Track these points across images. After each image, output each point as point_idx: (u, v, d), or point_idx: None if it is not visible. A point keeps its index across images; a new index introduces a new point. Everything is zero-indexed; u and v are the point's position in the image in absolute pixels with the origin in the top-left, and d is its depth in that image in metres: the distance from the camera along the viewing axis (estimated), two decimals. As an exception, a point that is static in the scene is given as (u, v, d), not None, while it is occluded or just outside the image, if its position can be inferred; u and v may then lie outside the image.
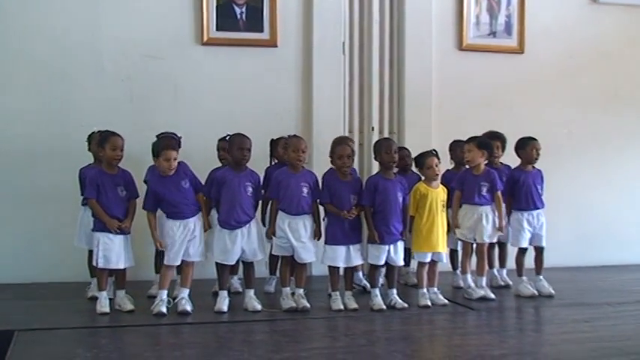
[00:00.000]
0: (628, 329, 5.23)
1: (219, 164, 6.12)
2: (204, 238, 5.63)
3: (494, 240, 6.33)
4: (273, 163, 6.33)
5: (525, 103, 7.72)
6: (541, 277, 6.25)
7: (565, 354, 4.57)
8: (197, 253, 5.53)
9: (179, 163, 5.51)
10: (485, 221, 6.03)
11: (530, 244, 6.28)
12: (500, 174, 6.26)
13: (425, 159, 5.89)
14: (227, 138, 5.86)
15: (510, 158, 6.49)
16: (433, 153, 5.93)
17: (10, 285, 6.38)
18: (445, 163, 6.37)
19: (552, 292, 6.15)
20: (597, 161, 7.98)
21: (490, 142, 6.17)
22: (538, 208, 6.26)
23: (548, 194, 6.33)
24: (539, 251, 6.30)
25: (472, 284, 6.10)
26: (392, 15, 7.43)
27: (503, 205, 6.17)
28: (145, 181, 5.82)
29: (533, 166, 6.31)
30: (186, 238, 5.46)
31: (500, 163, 6.49)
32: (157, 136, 5.87)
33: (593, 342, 4.84)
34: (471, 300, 5.95)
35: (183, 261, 5.51)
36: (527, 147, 6.27)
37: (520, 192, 6.22)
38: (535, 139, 6.28)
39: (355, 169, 6.41)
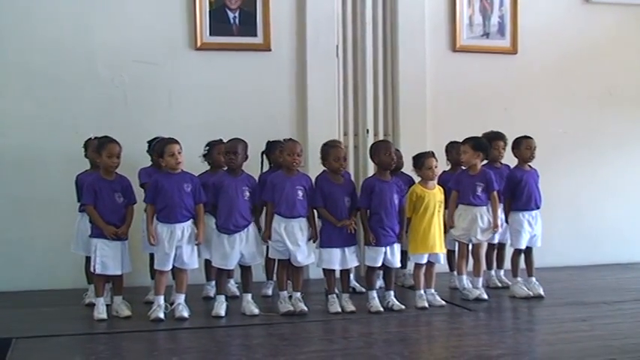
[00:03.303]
0: (626, 327, 5.24)
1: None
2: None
3: (494, 240, 6.33)
4: (270, 166, 6.30)
5: (519, 104, 7.73)
6: (533, 278, 6.22)
7: (563, 353, 4.57)
8: (191, 260, 5.51)
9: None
10: (480, 221, 6.04)
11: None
12: (502, 174, 6.27)
13: (424, 159, 5.85)
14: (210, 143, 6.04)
15: (509, 158, 6.49)
16: (432, 154, 5.91)
17: (7, 293, 6.38)
18: (441, 165, 6.37)
19: (542, 293, 6.13)
20: (592, 160, 8.00)
21: (485, 143, 6.17)
22: (538, 208, 6.23)
23: (543, 194, 6.30)
24: (529, 251, 6.26)
25: (468, 285, 6.11)
26: (385, 17, 7.43)
27: (501, 206, 6.18)
28: (142, 186, 5.82)
29: (530, 166, 6.30)
30: (173, 244, 5.43)
31: (500, 163, 6.49)
32: (149, 142, 5.89)
33: (590, 341, 4.85)
34: (468, 301, 5.96)
35: (177, 267, 5.51)
36: (521, 146, 6.26)
37: (522, 192, 6.17)
38: (529, 137, 6.26)
39: (349, 172, 6.43)
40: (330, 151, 5.70)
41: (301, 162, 5.73)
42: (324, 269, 5.70)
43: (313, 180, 5.75)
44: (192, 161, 5.96)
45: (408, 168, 6.26)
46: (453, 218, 6.10)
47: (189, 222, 5.50)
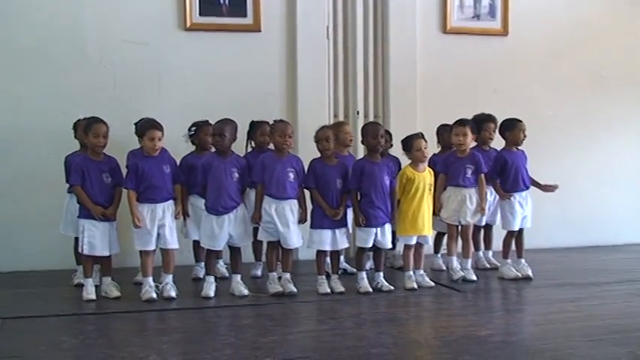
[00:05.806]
0: (614, 308, 5.27)
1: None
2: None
3: (482, 223, 6.37)
4: (251, 147, 6.26)
5: (510, 86, 7.72)
6: (522, 260, 6.26)
7: (551, 333, 4.59)
8: (173, 240, 5.52)
9: (163, 149, 5.52)
10: (469, 203, 6.05)
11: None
12: (490, 156, 6.27)
13: (413, 141, 5.85)
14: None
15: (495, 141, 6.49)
16: (420, 135, 5.90)
17: (-5, 273, 6.37)
18: (432, 147, 6.37)
19: (531, 274, 6.16)
20: (582, 142, 8.02)
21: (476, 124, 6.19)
22: (528, 188, 6.24)
23: (533, 176, 6.32)
24: (520, 233, 6.27)
25: (457, 266, 6.12)
26: (375, -2, 7.41)
27: (491, 188, 6.20)
28: (127, 167, 5.80)
29: (517, 147, 6.31)
30: (155, 223, 5.44)
31: (489, 146, 6.48)
32: (135, 124, 5.86)
33: (579, 321, 4.87)
34: (456, 282, 5.98)
35: (161, 248, 5.51)
36: (514, 129, 6.21)
37: (510, 173, 6.17)
38: (520, 121, 6.25)
39: (353, 155, 6.43)
40: (317, 133, 5.71)
41: (292, 143, 5.72)
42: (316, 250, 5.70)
43: (304, 161, 5.74)
44: (179, 142, 5.96)
45: (397, 150, 6.25)
46: (440, 201, 6.10)
47: (170, 202, 5.52)
